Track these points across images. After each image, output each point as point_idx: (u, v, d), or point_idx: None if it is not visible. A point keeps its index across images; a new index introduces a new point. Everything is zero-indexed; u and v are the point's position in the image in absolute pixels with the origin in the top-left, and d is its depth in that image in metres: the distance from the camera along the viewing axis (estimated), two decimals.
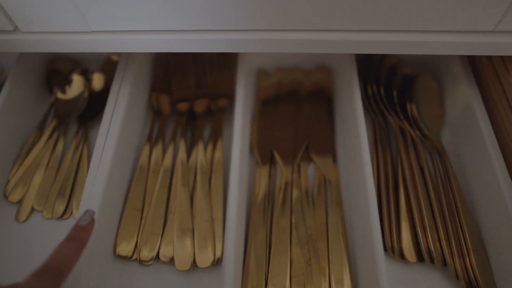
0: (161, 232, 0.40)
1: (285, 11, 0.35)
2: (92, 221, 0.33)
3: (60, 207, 0.43)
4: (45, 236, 0.42)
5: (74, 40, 0.37)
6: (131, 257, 0.40)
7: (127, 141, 0.44)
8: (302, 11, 0.35)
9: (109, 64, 0.52)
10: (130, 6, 0.35)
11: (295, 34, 0.38)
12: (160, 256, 0.39)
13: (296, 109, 0.49)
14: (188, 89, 0.49)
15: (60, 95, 0.48)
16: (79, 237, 0.32)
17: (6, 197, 0.44)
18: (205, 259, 0.39)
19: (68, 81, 0.48)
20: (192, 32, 0.38)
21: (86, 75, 0.49)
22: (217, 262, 0.39)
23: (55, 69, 0.51)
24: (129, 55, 0.47)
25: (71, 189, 0.44)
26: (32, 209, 0.43)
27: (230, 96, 0.49)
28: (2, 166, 0.44)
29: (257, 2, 0.34)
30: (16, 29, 0.37)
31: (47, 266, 0.29)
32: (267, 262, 0.38)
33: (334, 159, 0.45)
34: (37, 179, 0.44)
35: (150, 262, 0.39)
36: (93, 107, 0.48)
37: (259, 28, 0.38)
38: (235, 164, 0.39)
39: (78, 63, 0.53)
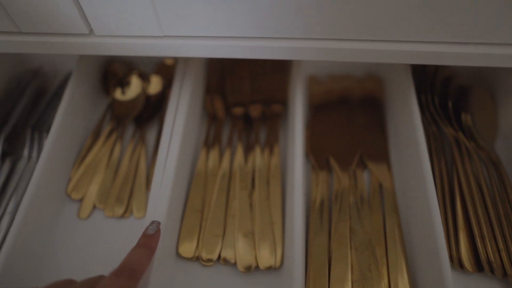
0: (222, 234, 0.41)
1: (342, 21, 0.36)
2: (158, 230, 0.35)
3: (120, 209, 0.44)
4: (106, 233, 0.43)
5: (146, 44, 0.38)
6: (192, 257, 0.40)
7: (188, 144, 0.44)
8: (359, 22, 0.36)
9: (162, 68, 0.53)
10: (202, 13, 0.36)
11: (352, 43, 0.38)
12: (222, 257, 0.40)
13: (348, 116, 0.50)
14: (242, 94, 0.50)
15: (118, 96, 0.49)
16: (149, 244, 0.34)
17: (68, 194, 0.45)
18: (267, 261, 0.39)
19: (127, 83, 0.50)
20: (255, 39, 0.39)
21: (144, 77, 0.50)
22: (277, 266, 0.39)
23: (111, 71, 0.53)
24: (187, 59, 0.48)
25: (130, 190, 0.45)
26: (94, 207, 0.44)
27: (284, 102, 0.50)
28: (64, 165, 0.46)
29: (314, 12, 0.35)
30: (91, 32, 0.39)
31: (124, 267, 0.31)
32: (328, 267, 0.39)
33: (389, 167, 0.46)
34: (98, 178, 0.45)
35: (211, 263, 0.40)
36: (148, 109, 0.50)
37: (316, 37, 0.38)
38: (297, 170, 0.40)
39: (132, 66, 0.54)
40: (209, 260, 0.40)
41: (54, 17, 0.37)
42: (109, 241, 0.43)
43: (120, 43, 0.39)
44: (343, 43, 0.38)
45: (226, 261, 0.40)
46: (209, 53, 0.39)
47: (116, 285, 0.29)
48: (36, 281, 0.40)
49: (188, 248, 0.40)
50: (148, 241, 0.34)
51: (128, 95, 0.49)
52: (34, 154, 0.47)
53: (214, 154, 0.46)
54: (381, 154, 0.47)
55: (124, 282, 0.30)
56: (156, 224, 0.36)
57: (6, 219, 0.43)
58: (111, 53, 0.39)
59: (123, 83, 0.50)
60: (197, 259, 0.41)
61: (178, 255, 0.40)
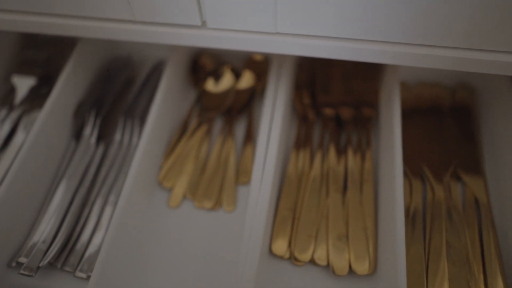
0: (314, 235, 0.41)
1: (445, 28, 0.35)
2: None
3: (209, 201, 0.44)
4: (195, 224, 0.44)
5: (258, 39, 0.38)
6: (284, 255, 0.40)
7: (283, 142, 0.44)
8: (464, 30, 0.35)
9: (251, 63, 0.53)
10: (320, 12, 0.35)
11: (453, 51, 0.37)
12: (315, 259, 0.40)
13: (439, 125, 0.49)
14: (333, 95, 0.49)
15: (210, 88, 0.50)
16: None
17: (159, 182, 0.46)
18: (360, 267, 0.39)
19: (219, 76, 0.50)
20: (363, 41, 0.38)
21: (235, 72, 0.50)
22: (370, 272, 0.39)
23: (200, 63, 0.53)
24: (283, 56, 0.48)
25: (220, 183, 0.45)
26: (184, 197, 0.45)
27: (374, 105, 0.49)
28: (156, 153, 0.46)
29: (416, 18, 0.34)
30: (203, 25, 0.39)
31: None
32: (425, 279, 0.38)
33: (484, 181, 0.44)
34: (187, 169, 0.46)
35: (303, 263, 0.40)
36: (237, 104, 0.50)
37: (415, 43, 0.38)
38: (398, 177, 0.39)
39: (220, 59, 0.54)
40: (302, 260, 0.40)
41: (170, 7, 0.37)
42: (198, 232, 0.43)
43: (231, 37, 0.39)
44: (443, 50, 0.37)
45: (319, 263, 0.40)
46: (317, 53, 0.39)
47: None
48: (131, 270, 0.41)
49: (280, 246, 0.40)
50: None
51: (219, 87, 0.50)
52: (126, 140, 0.48)
53: (305, 154, 0.46)
54: (476, 167, 0.45)
55: None
56: None
57: (99, 201, 0.44)
58: (221, 46, 0.40)
59: (216, 76, 0.50)
60: (288, 258, 0.41)
61: (271, 252, 0.40)
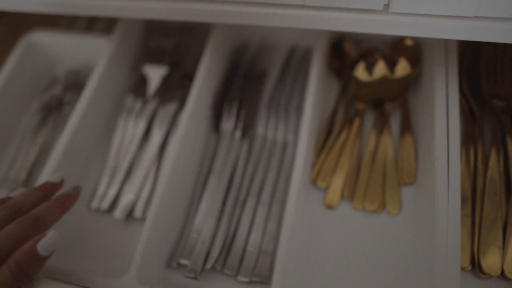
0: (501, 245, 0.36)
1: None
2: (78, 194, 0.36)
3: (370, 203, 0.40)
4: (358, 226, 0.40)
5: (450, 25, 0.33)
6: (467, 268, 0.36)
7: None
8: None
9: (399, 48, 0.48)
10: None
11: None
12: (506, 272, 0.35)
13: None
14: (503, 84, 0.44)
15: (361, 76, 0.45)
16: (63, 201, 0.35)
17: (313, 182, 0.43)
18: None
19: (369, 63, 0.45)
20: None
21: (387, 59, 0.46)
22: None
23: (343, 50, 0.49)
24: (447, 42, 0.43)
25: (382, 183, 0.41)
26: (341, 198, 0.42)
27: None
28: (309, 150, 0.43)
29: None
30: (385, 9, 0.34)
31: (30, 215, 0.32)
32: None
33: None
34: (342, 165, 0.42)
35: (489, 277, 0.36)
36: (390, 94, 0.45)
37: None
38: None
39: (361, 44, 0.49)
40: (489, 274, 0.36)
41: None
42: (362, 235, 0.40)
43: (417, 23, 0.34)
44: None
45: (508, 277, 0.35)
46: None
47: (16, 232, 0.30)
48: (302, 275, 0.39)
49: (464, 258, 0.36)
50: (64, 199, 0.35)
51: (373, 76, 0.45)
52: (270, 134, 0.45)
53: (477, 152, 0.41)
54: None
55: (26, 229, 0.30)
56: (78, 189, 0.36)
57: (251, 200, 0.42)
58: (404, 33, 0.35)
59: (366, 63, 0.45)
60: (470, 269, 0.37)
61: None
